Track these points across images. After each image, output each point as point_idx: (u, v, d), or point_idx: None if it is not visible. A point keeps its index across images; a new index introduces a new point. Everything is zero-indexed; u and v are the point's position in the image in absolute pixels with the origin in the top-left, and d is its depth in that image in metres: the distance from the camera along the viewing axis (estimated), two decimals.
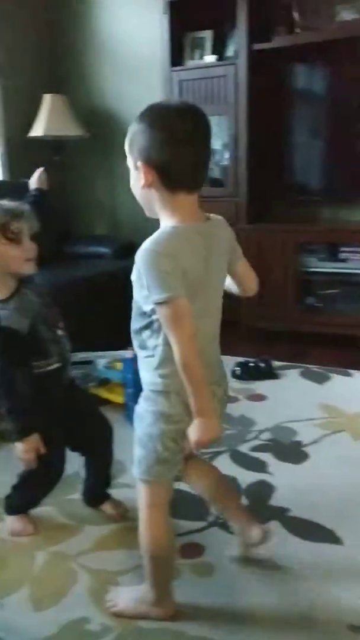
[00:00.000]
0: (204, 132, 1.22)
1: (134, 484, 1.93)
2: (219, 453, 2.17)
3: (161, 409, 1.27)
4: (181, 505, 1.84)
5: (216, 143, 3.74)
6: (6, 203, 1.56)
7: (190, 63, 3.57)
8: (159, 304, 1.17)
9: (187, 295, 1.17)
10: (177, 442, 1.29)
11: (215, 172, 3.77)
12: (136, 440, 1.33)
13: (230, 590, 1.49)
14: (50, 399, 1.64)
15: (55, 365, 1.62)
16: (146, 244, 1.19)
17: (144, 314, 1.25)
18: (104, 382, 2.63)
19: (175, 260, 1.17)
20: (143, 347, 1.28)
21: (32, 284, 1.63)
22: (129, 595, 1.45)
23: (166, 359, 1.23)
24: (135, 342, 1.30)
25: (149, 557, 1.37)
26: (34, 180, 1.80)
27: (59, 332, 1.64)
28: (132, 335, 1.31)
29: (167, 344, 1.21)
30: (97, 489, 1.87)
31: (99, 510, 1.84)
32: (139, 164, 1.22)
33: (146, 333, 1.26)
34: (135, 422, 1.34)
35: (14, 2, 3.84)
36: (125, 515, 1.80)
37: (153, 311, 1.21)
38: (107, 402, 2.55)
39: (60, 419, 1.68)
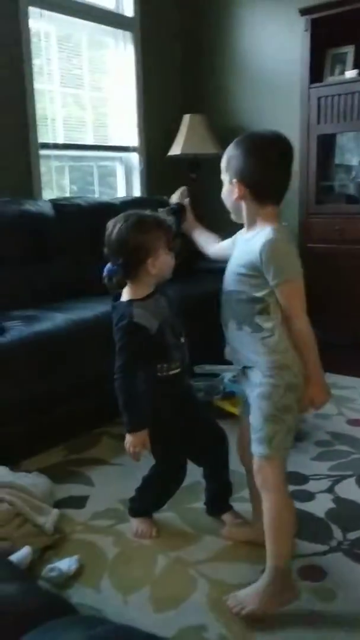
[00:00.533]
0: (290, 160, 1.50)
1: None
2: (344, 477, 2.10)
3: (288, 380, 1.43)
4: (305, 527, 1.81)
5: (352, 159, 3.66)
6: (163, 214, 1.69)
7: (329, 79, 3.53)
8: (288, 281, 1.40)
9: None
10: (297, 410, 1.46)
11: (350, 188, 3.68)
12: (265, 418, 1.44)
13: (351, 619, 1.43)
14: (171, 403, 1.71)
15: (177, 371, 1.68)
16: (270, 237, 1.39)
17: (256, 301, 1.43)
18: (229, 396, 2.65)
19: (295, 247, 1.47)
20: (258, 330, 1.44)
21: (164, 292, 1.72)
22: (252, 592, 1.47)
23: (283, 335, 1.43)
24: (244, 330, 1.46)
25: (284, 537, 1.47)
26: (176, 196, 1.87)
27: (182, 340, 1.70)
28: (236, 325, 1.48)
29: (281, 323, 1.42)
30: (217, 498, 1.89)
31: (220, 520, 1.86)
32: (234, 181, 1.47)
33: (262, 317, 1.44)
34: (260, 403, 1.44)
35: (157, 25, 4.05)
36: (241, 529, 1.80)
37: (268, 295, 1.41)
38: (231, 415, 2.57)
39: (178, 425, 1.74)
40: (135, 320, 1.60)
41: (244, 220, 1.52)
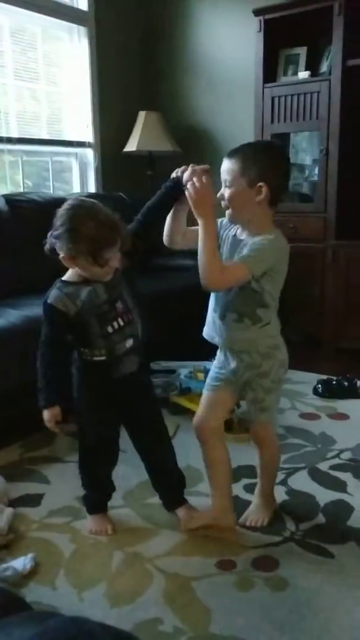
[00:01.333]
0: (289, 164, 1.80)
1: (210, 493, 1.97)
2: (297, 469, 2.16)
3: (281, 358, 1.72)
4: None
5: (305, 159, 3.74)
6: (116, 225, 1.57)
7: (283, 79, 3.59)
8: (245, 263, 1.57)
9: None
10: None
11: (304, 187, 3.76)
12: (266, 392, 1.71)
13: (303, 607, 1.47)
14: (97, 389, 1.73)
15: (101, 359, 1.68)
16: (272, 237, 1.62)
17: (258, 295, 1.63)
18: (185, 392, 2.68)
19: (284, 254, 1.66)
20: (258, 321, 1.66)
21: (119, 281, 1.67)
22: (257, 510, 1.85)
23: (276, 322, 1.71)
24: (244, 322, 1.66)
25: (276, 474, 1.91)
26: (185, 172, 1.72)
27: (110, 330, 1.66)
28: (236, 316, 1.66)
29: (275, 310, 1.69)
30: (169, 493, 1.91)
31: (174, 514, 1.88)
32: (261, 184, 1.58)
33: (262, 310, 1.65)
34: (260, 380, 1.70)
35: (112, 20, 4.03)
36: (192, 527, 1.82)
37: (263, 285, 1.62)
38: (187, 410, 2.60)
39: (112, 412, 1.77)
40: (49, 301, 1.63)
41: (251, 222, 1.64)
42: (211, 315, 1.74)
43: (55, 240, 1.58)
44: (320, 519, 1.85)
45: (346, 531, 1.78)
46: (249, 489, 2.02)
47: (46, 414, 1.66)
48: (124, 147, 3.99)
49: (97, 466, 1.85)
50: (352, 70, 3.27)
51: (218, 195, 1.64)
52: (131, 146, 3.94)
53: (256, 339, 1.67)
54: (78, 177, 4.05)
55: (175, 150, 3.98)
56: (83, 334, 1.66)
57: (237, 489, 2.03)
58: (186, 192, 1.64)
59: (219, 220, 1.71)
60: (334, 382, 2.88)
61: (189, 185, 1.63)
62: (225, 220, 1.72)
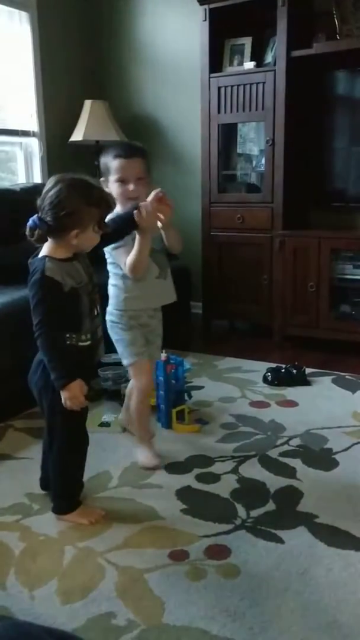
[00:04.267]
0: None
1: (163, 484, 1.97)
2: (248, 457, 2.18)
3: None
4: (211, 508, 1.87)
5: (253, 149, 3.76)
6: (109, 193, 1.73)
7: (229, 69, 3.60)
8: None
9: None
10: None
11: (251, 178, 3.78)
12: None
13: (254, 594, 1.49)
14: (81, 374, 1.69)
15: (86, 343, 1.69)
16: None
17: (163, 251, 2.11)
18: None
19: None
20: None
21: (87, 264, 1.73)
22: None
23: None
24: (168, 279, 2.14)
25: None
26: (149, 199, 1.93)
27: (96, 313, 1.72)
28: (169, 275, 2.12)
29: None
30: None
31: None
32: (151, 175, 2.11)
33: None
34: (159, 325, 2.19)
35: (55, 7, 3.94)
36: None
37: None
38: None
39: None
40: (47, 273, 1.60)
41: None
42: (153, 284, 2.06)
43: (57, 222, 1.59)
44: (271, 505, 1.88)
45: (296, 516, 1.82)
46: (200, 478, 2.04)
47: (69, 392, 1.62)
48: (70, 136, 3.92)
49: (80, 459, 1.83)
50: (296, 61, 3.30)
51: (131, 189, 1.98)
52: (77, 136, 3.87)
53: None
54: (23, 167, 3.95)
55: (122, 140, 3.93)
56: (73, 313, 1.65)
57: (189, 479, 2.04)
58: (136, 213, 1.89)
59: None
60: (283, 370, 2.92)
61: (141, 208, 1.89)
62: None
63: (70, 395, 1.63)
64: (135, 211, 1.88)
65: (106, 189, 1.88)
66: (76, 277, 1.65)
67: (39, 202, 1.63)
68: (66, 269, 1.65)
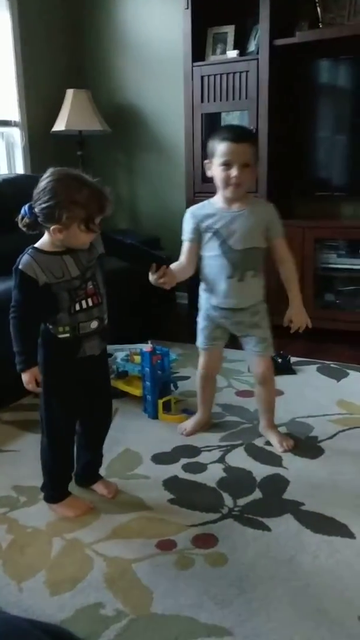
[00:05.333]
0: None
1: (150, 475, 1.99)
2: (234, 446, 2.20)
3: (266, 306, 2.19)
4: (198, 497, 1.88)
5: None
6: (103, 190, 1.62)
7: (212, 58, 3.57)
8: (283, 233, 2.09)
9: None
10: None
11: None
12: (268, 330, 2.19)
13: (242, 581, 1.51)
14: (58, 365, 1.72)
15: (64, 336, 1.68)
16: (271, 205, 2.12)
17: (261, 251, 2.07)
18: (122, 375, 2.66)
19: None
20: (261, 276, 2.12)
21: (94, 263, 1.70)
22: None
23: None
24: (258, 277, 2.11)
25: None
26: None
27: (79, 308, 1.67)
28: (253, 273, 2.07)
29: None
30: (91, 469, 1.93)
31: (90, 490, 1.92)
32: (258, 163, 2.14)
33: (261, 265, 2.10)
34: (255, 330, 2.15)
35: None
36: (117, 496, 1.90)
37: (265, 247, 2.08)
38: (124, 394, 2.59)
39: (75, 392, 1.76)
40: (20, 266, 1.62)
41: (242, 195, 2.03)
42: (226, 283, 2.06)
43: (41, 213, 1.57)
44: (257, 493, 1.89)
45: (282, 504, 1.83)
46: (187, 468, 2.05)
47: (25, 376, 1.66)
48: (52, 126, 3.88)
49: (62, 455, 1.82)
50: (279, 50, 3.29)
51: (235, 176, 1.94)
52: (60, 125, 3.83)
53: (260, 291, 2.15)
54: (5, 157, 3.91)
55: (105, 130, 3.90)
56: (49, 306, 1.65)
57: (176, 469, 2.05)
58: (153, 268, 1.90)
59: (190, 212, 2.13)
60: None
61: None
62: (202, 210, 2.09)
63: (24, 381, 1.68)
64: (154, 265, 1.88)
65: (209, 172, 2.02)
66: (56, 272, 1.63)
67: (34, 190, 1.62)
68: (48, 263, 1.63)
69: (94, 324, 1.71)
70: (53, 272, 1.63)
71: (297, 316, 2.12)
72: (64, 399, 1.75)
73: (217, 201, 2.08)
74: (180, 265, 2.08)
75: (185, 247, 2.12)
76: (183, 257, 2.11)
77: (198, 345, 2.22)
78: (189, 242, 2.10)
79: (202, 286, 2.16)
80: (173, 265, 2.01)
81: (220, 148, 1.95)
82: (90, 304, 1.69)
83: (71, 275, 1.65)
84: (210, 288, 2.12)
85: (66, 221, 1.57)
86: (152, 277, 1.90)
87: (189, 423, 2.32)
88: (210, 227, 2.04)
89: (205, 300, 2.17)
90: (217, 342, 2.21)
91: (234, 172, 1.94)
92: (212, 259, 2.07)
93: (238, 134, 1.99)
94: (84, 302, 1.68)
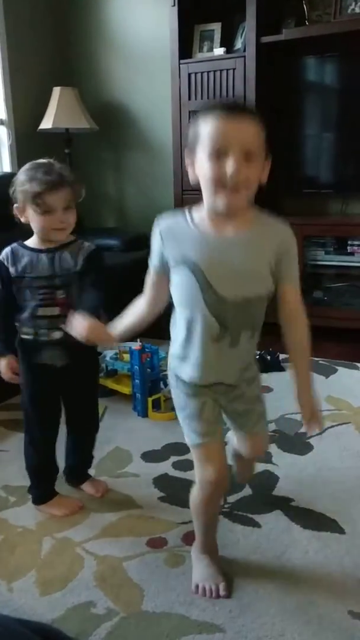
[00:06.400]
0: None
1: (140, 473, 1.98)
2: (224, 443, 2.19)
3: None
4: (186, 494, 1.87)
5: None
6: (46, 171, 1.59)
7: (199, 55, 3.57)
8: (297, 278, 1.33)
9: None
10: None
11: None
12: (260, 399, 1.52)
13: (233, 576, 1.51)
14: (25, 363, 1.72)
15: (27, 337, 1.68)
16: (289, 230, 1.31)
17: (265, 300, 1.32)
18: (112, 373, 2.66)
19: None
20: (254, 334, 1.36)
21: (72, 274, 1.65)
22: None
23: None
24: (255, 338, 1.37)
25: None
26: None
27: (42, 313, 1.64)
28: (250, 334, 1.34)
29: None
30: (80, 469, 1.94)
31: (80, 489, 1.93)
32: (270, 158, 1.27)
33: (262, 318, 1.35)
34: (256, 404, 1.50)
35: None
36: (105, 494, 1.90)
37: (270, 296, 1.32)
38: (114, 392, 2.59)
39: (41, 393, 1.75)
40: (0, 256, 1.67)
41: (243, 211, 1.26)
42: (210, 354, 1.32)
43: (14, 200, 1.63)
44: (247, 490, 1.90)
45: (272, 501, 1.84)
46: (177, 466, 2.05)
47: (0, 365, 1.69)
48: (39, 124, 3.85)
49: (37, 455, 1.80)
50: (266, 47, 3.29)
51: (232, 171, 1.18)
52: (47, 123, 3.81)
53: (252, 359, 1.46)
54: None
55: (92, 128, 3.89)
56: (17, 303, 1.67)
57: (166, 467, 2.05)
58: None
59: (159, 227, 1.32)
60: (257, 357, 2.93)
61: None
62: (174, 227, 1.30)
63: (1, 370, 1.70)
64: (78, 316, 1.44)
65: (192, 176, 1.27)
66: (27, 267, 1.64)
67: None
68: (21, 256, 1.66)
69: (57, 334, 1.64)
70: (19, 266, 1.65)
71: (314, 413, 1.44)
72: (32, 399, 1.75)
73: (202, 219, 1.28)
74: (136, 312, 1.43)
75: (150, 278, 1.39)
76: (146, 294, 1.42)
77: (187, 442, 1.43)
78: (155, 272, 1.37)
79: (171, 349, 1.43)
80: (126, 317, 1.45)
81: (206, 130, 1.19)
82: (56, 312, 1.64)
83: (38, 274, 1.64)
84: (182, 354, 1.37)
85: (20, 199, 1.60)
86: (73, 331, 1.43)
87: (207, 580, 1.47)
88: (186, 258, 1.27)
89: (173, 371, 1.43)
90: (214, 428, 1.41)
91: (230, 165, 1.17)
92: (186, 310, 1.31)
93: (234, 107, 1.22)
94: (49, 309, 1.64)
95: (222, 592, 1.44)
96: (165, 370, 2.77)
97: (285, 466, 2.04)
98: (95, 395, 1.91)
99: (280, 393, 2.65)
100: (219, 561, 1.53)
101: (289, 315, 1.35)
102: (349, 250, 3.33)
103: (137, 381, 2.45)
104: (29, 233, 1.68)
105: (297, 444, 2.19)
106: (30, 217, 1.62)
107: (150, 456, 2.13)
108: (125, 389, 2.54)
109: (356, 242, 3.31)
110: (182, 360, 1.37)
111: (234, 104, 1.26)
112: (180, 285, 1.30)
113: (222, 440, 1.45)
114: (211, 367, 1.34)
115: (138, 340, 2.64)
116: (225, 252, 1.25)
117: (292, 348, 1.39)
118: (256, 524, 1.73)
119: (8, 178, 1.67)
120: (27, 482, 1.85)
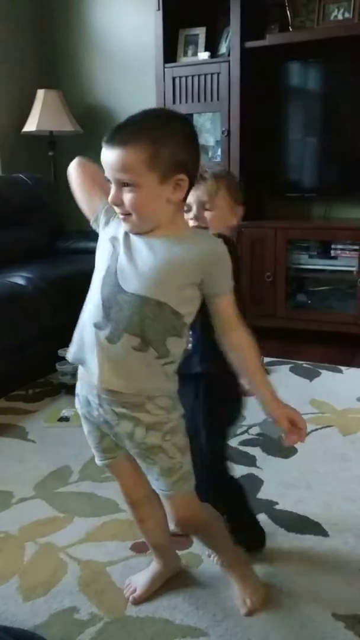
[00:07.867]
0: None
1: None
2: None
3: (181, 412, 1.26)
4: None
5: (209, 139, 3.76)
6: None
7: (183, 60, 3.58)
8: (231, 290, 1.23)
9: None
10: None
11: None
12: (183, 452, 1.26)
13: (216, 581, 1.51)
14: None
15: None
16: (219, 244, 1.19)
17: (177, 318, 1.17)
18: None
19: None
20: (165, 355, 1.18)
21: None
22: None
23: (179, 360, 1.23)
24: (148, 352, 1.16)
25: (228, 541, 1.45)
26: None
27: None
28: (138, 343, 1.15)
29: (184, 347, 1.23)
30: None
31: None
32: (180, 176, 1.13)
33: (173, 340, 1.18)
34: (173, 438, 1.24)
35: None
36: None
37: (191, 313, 1.20)
38: None
39: None
40: None
41: (156, 223, 1.17)
42: (89, 330, 1.20)
43: None
44: None
45: (256, 504, 1.84)
46: None
47: None
48: (23, 127, 3.84)
49: None
50: (250, 52, 3.31)
51: (109, 200, 1.16)
52: (31, 126, 3.79)
53: (156, 380, 1.19)
54: None
55: (76, 131, 3.88)
56: None
57: None
58: None
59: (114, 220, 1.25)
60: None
61: None
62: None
63: None
64: None
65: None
66: None
67: None
68: None
69: None
70: None
71: (295, 420, 1.34)
72: None
73: None
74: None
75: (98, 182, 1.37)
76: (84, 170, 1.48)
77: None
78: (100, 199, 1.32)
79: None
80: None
81: None
82: None
83: None
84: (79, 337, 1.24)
85: None
86: None
87: (139, 581, 1.48)
88: (113, 235, 1.23)
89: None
90: (116, 453, 1.36)
91: (113, 193, 1.16)
92: (96, 277, 1.24)
93: (111, 134, 1.18)
94: None
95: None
96: None
97: (269, 469, 2.04)
98: None
99: None
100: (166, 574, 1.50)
101: (224, 326, 1.24)
102: (332, 254, 3.35)
103: None
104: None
105: (281, 447, 2.19)
106: None
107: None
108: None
109: (339, 246, 3.33)
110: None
111: (112, 131, 1.18)
112: (100, 248, 1.26)
113: (125, 465, 1.36)
114: (88, 357, 1.20)
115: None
116: (139, 248, 1.17)
117: (239, 361, 1.26)
118: None
119: None
120: (9, 487, 1.84)
